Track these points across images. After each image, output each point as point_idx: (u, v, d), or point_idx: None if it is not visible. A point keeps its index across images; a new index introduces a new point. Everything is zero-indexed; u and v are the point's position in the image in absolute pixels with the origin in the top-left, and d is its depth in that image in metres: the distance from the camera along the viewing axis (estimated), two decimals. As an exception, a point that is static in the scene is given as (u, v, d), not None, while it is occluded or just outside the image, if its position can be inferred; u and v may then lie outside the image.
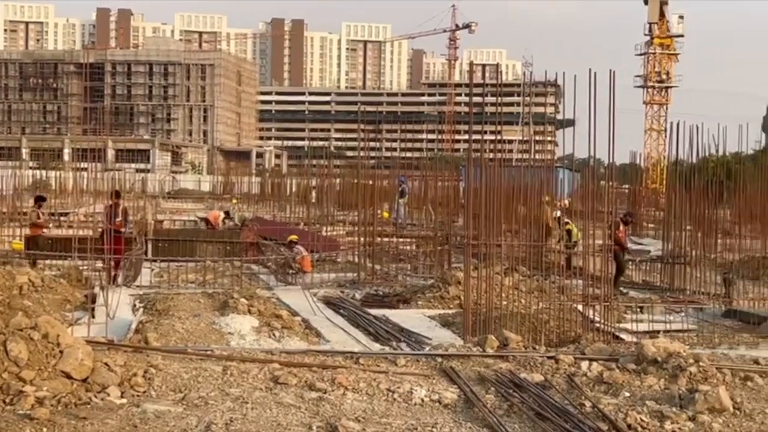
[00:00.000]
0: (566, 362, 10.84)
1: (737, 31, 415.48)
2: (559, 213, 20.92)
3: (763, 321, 15.85)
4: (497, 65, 20.19)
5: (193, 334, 12.96)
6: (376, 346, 12.95)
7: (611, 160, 15.21)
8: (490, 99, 18.65)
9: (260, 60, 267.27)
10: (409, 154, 45.76)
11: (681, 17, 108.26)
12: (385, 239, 26.13)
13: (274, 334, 13.71)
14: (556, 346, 12.62)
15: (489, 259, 14.60)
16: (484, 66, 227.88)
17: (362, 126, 27.90)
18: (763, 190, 25.90)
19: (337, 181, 42.84)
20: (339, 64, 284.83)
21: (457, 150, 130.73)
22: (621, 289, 20.22)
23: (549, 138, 23.75)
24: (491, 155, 15.56)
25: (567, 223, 21.77)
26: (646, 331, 14.77)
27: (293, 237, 23.39)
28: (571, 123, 14.95)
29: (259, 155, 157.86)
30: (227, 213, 36.31)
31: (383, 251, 24.24)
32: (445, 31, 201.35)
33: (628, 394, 9.62)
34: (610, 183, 17.45)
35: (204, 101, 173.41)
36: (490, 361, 11.08)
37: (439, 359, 11.20)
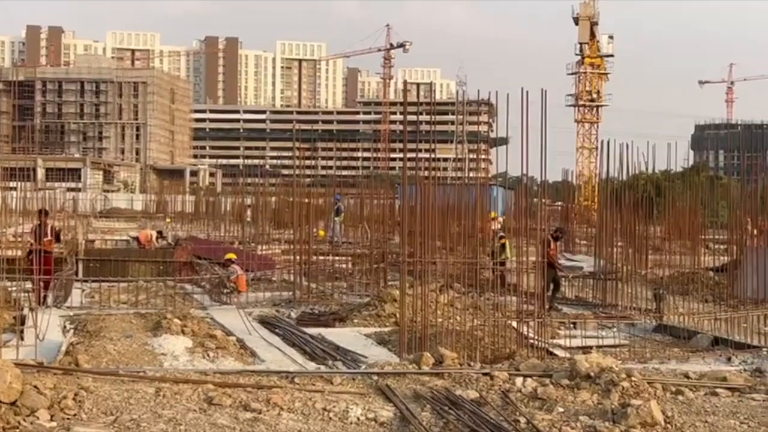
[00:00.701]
0: (501, 378, 10.89)
1: (665, 52, 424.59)
2: (495, 227, 21.05)
3: (693, 335, 16.14)
4: (431, 84, 20.45)
5: (125, 356, 12.75)
6: (311, 365, 12.88)
7: (543, 178, 15.40)
8: (424, 117, 18.73)
9: (194, 78, 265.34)
10: (345, 172, 45.77)
11: (611, 37, 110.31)
12: (321, 258, 26.06)
13: (208, 355, 13.55)
14: (491, 363, 12.68)
15: (424, 277, 14.63)
16: (418, 85, 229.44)
17: (297, 144, 27.85)
18: (692, 206, 26.48)
19: (273, 199, 42.62)
20: (274, 83, 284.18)
21: (393, 168, 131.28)
22: (556, 305, 20.42)
23: (483, 156, 23.88)
24: (426, 173, 15.63)
25: (502, 237, 21.92)
26: (579, 346, 14.93)
27: (231, 255, 23.20)
28: (504, 141, 15.12)
29: (193, 174, 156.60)
30: (160, 232, 35.88)
31: (319, 270, 24.17)
32: (380, 50, 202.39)
33: (561, 410, 9.69)
34: (543, 200, 17.66)
35: (137, 119, 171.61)
36: (426, 379, 11.09)
37: (375, 377, 11.17)
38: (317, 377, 11.17)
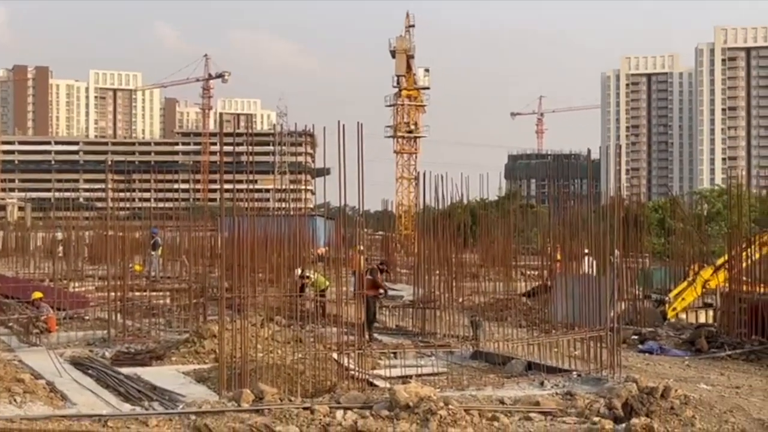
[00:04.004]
0: (322, 412, 10.84)
1: (479, 85, 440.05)
2: (299, 271, 20.69)
3: (508, 361, 16.58)
4: (250, 115, 20.26)
5: None
6: (126, 407, 12.41)
7: (361, 208, 15.53)
8: (244, 148, 18.56)
9: (1, 108, 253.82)
10: (163, 204, 44.73)
11: (427, 70, 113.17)
12: (138, 293, 25.28)
13: (15, 400, 12.81)
14: (312, 396, 12.61)
15: (244, 311, 14.42)
16: (238, 115, 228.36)
17: (112, 176, 26.99)
18: (506, 234, 27.35)
19: (87, 233, 41.13)
20: (87, 113, 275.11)
21: (214, 199, 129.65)
22: (375, 335, 20.57)
23: (305, 187, 23.89)
24: (246, 204, 15.46)
25: (307, 277, 21.56)
26: (399, 376, 15.04)
27: (37, 294, 22.14)
28: (326, 172, 15.18)
29: (1, 208, 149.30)
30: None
31: (136, 306, 23.42)
32: (198, 80, 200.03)
33: (381, 441, 9.72)
34: (365, 230, 17.80)
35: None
36: (246, 416, 10.91)
37: (193, 417, 10.90)
38: (132, 419, 10.80)
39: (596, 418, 11.03)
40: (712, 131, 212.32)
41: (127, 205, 37.72)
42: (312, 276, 21.60)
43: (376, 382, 14.38)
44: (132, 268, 28.83)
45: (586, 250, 22.87)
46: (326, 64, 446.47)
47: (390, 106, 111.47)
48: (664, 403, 11.54)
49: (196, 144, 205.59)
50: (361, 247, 26.46)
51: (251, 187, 15.02)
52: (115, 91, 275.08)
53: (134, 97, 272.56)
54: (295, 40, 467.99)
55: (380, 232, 55.70)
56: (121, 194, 41.20)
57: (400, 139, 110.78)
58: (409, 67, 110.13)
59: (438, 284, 23.17)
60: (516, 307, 23.93)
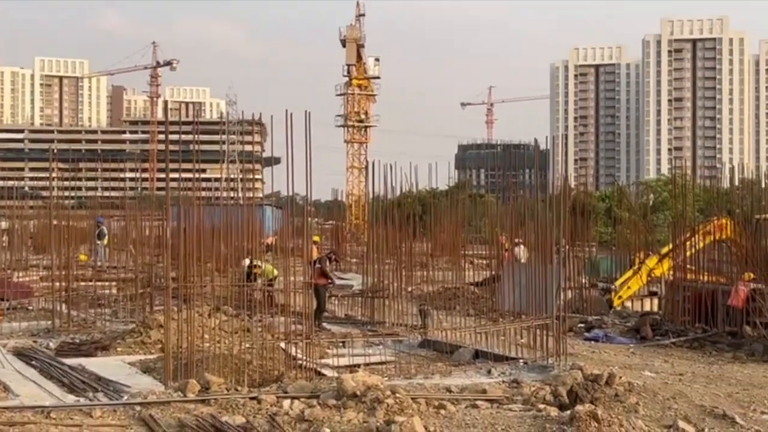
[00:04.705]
0: (269, 402, 10.80)
1: (430, 75, 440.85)
2: (247, 261, 20.59)
3: (455, 349, 16.67)
4: (199, 104, 20.03)
5: None
6: (70, 398, 12.24)
7: (309, 197, 15.48)
8: (194, 137, 18.37)
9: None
10: (110, 194, 44.20)
11: (377, 60, 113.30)
12: (84, 283, 24.96)
13: (-45, 392, 12.61)
14: (259, 386, 12.56)
15: (191, 301, 14.31)
16: (187, 104, 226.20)
17: (58, 164, 26.57)
18: (455, 223, 27.48)
19: (31, 223, 40.48)
20: (33, 100, 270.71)
21: (162, 189, 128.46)
22: (324, 324, 20.55)
23: (255, 176, 23.73)
24: (194, 194, 15.33)
25: (257, 266, 21.50)
26: (347, 365, 15.05)
27: (-20, 284, 21.77)
28: (276, 161, 15.09)
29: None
30: None
31: (81, 296, 23.12)
32: (146, 68, 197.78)
33: (328, 430, 9.72)
34: (315, 220, 17.75)
35: None
36: (192, 407, 10.83)
37: (138, 408, 10.79)
38: (76, 410, 10.67)
39: (542, 406, 11.13)
40: (659, 122, 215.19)
41: (73, 194, 37.13)
42: (261, 265, 21.54)
43: (324, 371, 14.37)
44: (77, 257, 28.47)
45: (517, 239, 23.15)
46: (276, 52, 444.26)
47: (340, 95, 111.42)
48: (609, 390, 11.68)
49: (143, 132, 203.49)
50: (317, 238, 26.48)
51: (199, 176, 14.91)
52: (61, 78, 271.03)
53: (81, 84, 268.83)
54: (244, 28, 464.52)
55: (330, 222, 55.60)
56: (67, 183, 40.63)
57: (350, 129, 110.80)
58: (359, 57, 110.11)
59: (387, 273, 23.20)
60: (464, 296, 24.07)
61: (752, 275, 20.58)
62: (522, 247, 22.42)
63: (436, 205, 30.27)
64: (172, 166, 14.19)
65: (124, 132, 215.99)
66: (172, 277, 14.47)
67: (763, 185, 25.05)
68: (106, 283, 26.92)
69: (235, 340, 14.99)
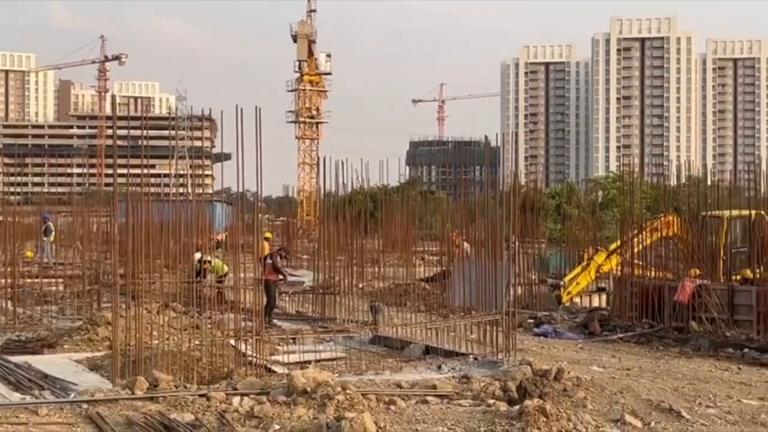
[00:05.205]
0: (218, 399, 10.74)
1: (382, 72, 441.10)
2: (198, 255, 20.44)
3: (406, 346, 16.70)
4: (148, 98, 19.82)
5: None
6: (16, 396, 12.04)
7: (260, 193, 15.41)
8: (142, 132, 18.18)
9: None
10: (56, 189, 43.64)
11: (329, 56, 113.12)
12: (30, 280, 24.62)
13: None
14: (208, 383, 12.48)
15: (140, 298, 14.17)
16: (135, 98, 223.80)
17: (4, 160, 26.19)
18: (407, 220, 27.53)
19: (-24, 219, 39.79)
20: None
21: (110, 184, 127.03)
22: (274, 321, 20.47)
23: (205, 172, 23.56)
24: (143, 189, 15.17)
25: (207, 262, 21.39)
26: (297, 362, 14.99)
27: None
28: (227, 157, 14.99)
29: None
30: None
31: (27, 293, 22.80)
32: (94, 62, 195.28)
33: (278, 427, 9.68)
34: (266, 216, 17.67)
35: None
36: (140, 404, 10.73)
37: (85, 405, 10.67)
38: (21, 409, 10.51)
39: (491, 401, 11.20)
40: (608, 120, 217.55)
41: (20, 190, 36.62)
42: (211, 261, 21.39)
43: (275, 368, 14.30)
44: (23, 254, 28.06)
45: (454, 238, 23.35)
46: (228, 48, 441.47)
47: (292, 91, 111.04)
48: (557, 385, 11.78)
49: (91, 128, 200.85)
50: (269, 235, 26.34)
51: (148, 171, 14.76)
52: (6, 72, 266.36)
53: (27, 78, 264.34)
54: (194, 23, 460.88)
55: (282, 218, 55.43)
56: (13, 179, 39.96)
57: (301, 125, 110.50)
58: (310, 52, 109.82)
59: (339, 270, 23.16)
60: (415, 292, 24.13)
61: (698, 271, 20.91)
62: (466, 244, 22.58)
63: (387, 202, 30.29)
64: (120, 161, 14.05)
65: (71, 127, 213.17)
66: (120, 274, 14.32)
67: (709, 183, 25.44)
68: (53, 280, 26.58)
69: (185, 337, 14.87)
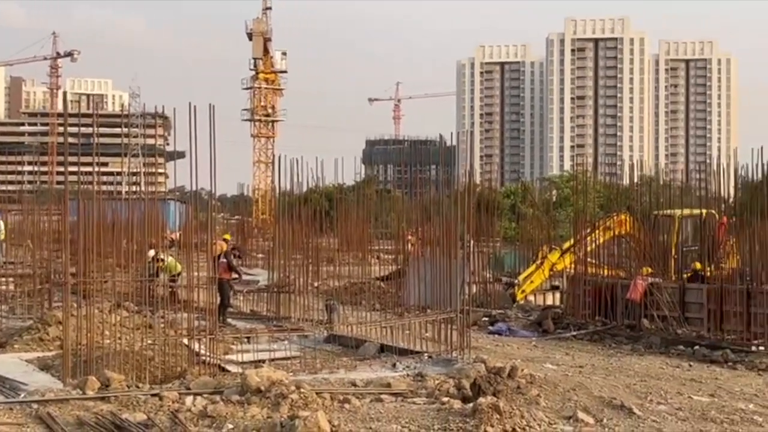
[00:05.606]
0: (171, 399, 10.65)
1: (339, 70, 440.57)
2: (152, 252, 20.24)
3: (361, 344, 16.69)
4: (101, 96, 19.59)
5: None
6: (-37, 397, 11.86)
7: (214, 191, 15.31)
8: (93, 129, 17.97)
9: None
10: (6, 187, 43.02)
11: (284, 54, 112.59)
12: (-21, 279, 24.21)
13: None
14: (161, 383, 12.37)
15: (91, 297, 14.00)
16: (88, 96, 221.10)
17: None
18: (363, 218, 27.53)
19: (-75, 217, 39.02)
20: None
21: (62, 182, 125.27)
22: (228, 320, 20.34)
23: (158, 170, 23.23)
24: (95, 188, 15.00)
25: (161, 260, 21.21)
26: (252, 361, 14.91)
27: None
28: (180, 155, 14.85)
29: None
30: None
31: (-24, 292, 22.44)
32: (45, 58, 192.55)
33: (231, 426, 9.62)
34: (221, 215, 17.56)
35: None
36: (91, 404, 10.61)
37: (36, 406, 10.52)
38: (-31, 410, 10.32)
39: (445, 399, 11.23)
40: (562, 119, 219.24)
41: (-31, 188, 35.99)
42: (165, 259, 21.20)
43: (228, 367, 14.21)
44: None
45: (409, 236, 23.43)
46: (183, 45, 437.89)
47: (247, 89, 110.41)
48: (511, 382, 11.85)
49: (43, 125, 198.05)
50: (228, 237, 26.19)
51: (100, 169, 14.60)
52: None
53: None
54: (148, 19, 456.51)
55: (237, 217, 55.12)
56: (-38, 176, 39.27)
57: (257, 123, 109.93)
58: (266, 50, 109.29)
59: (294, 269, 23.08)
60: (371, 290, 24.13)
61: (650, 270, 21.16)
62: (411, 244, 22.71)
63: (343, 201, 30.26)
64: (71, 159, 13.86)
65: (22, 124, 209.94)
66: (72, 273, 14.14)
67: (661, 182, 25.76)
68: (3, 279, 26.16)
69: (137, 337, 14.72)
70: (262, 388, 10.54)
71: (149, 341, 14.46)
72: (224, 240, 23.62)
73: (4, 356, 15.44)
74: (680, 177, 28.68)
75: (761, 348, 17.34)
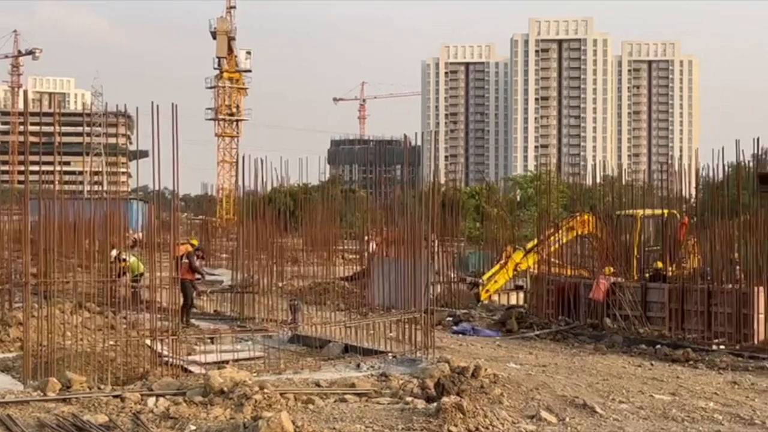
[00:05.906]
0: (133, 400, 10.57)
1: (303, 69, 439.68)
2: (115, 252, 20.08)
3: (325, 344, 16.67)
4: (63, 94, 19.41)
5: None
6: None
7: (176, 191, 15.20)
8: (55, 128, 17.80)
9: None
10: (-33, 187, 42.45)
11: (248, 53, 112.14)
12: (-62, 280, 23.81)
13: None
14: (123, 384, 12.28)
15: (53, 297, 13.87)
16: (50, 94, 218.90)
17: None
18: (327, 218, 27.48)
19: None
20: None
21: (23, 182, 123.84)
22: (192, 320, 20.23)
23: (121, 169, 23.05)
24: (57, 187, 14.87)
25: (123, 260, 21.06)
26: (215, 361, 14.84)
27: None
28: (143, 154, 14.74)
29: None
30: None
31: (-65, 293, 22.08)
32: (6, 56, 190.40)
33: (194, 427, 9.57)
34: (185, 215, 17.44)
35: None
36: (52, 406, 10.51)
37: (-5, 408, 10.38)
38: (-74, 413, 10.17)
39: (409, 398, 11.25)
40: (526, 120, 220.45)
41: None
42: (128, 259, 21.04)
43: (191, 368, 14.13)
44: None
45: (367, 237, 23.47)
46: (146, 44, 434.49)
47: (211, 88, 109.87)
48: (475, 382, 11.89)
49: (3, 123, 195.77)
50: (195, 242, 26.05)
51: (62, 169, 14.46)
52: None
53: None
54: (110, 17, 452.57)
55: (200, 217, 54.80)
56: None
57: (221, 122, 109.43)
58: (230, 49, 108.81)
59: (258, 269, 23.00)
60: (335, 290, 24.11)
61: (612, 269, 21.33)
62: (373, 243, 22.78)
63: (308, 200, 30.19)
64: (32, 158, 13.70)
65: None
66: (33, 273, 13.99)
67: (623, 182, 25.95)
68: (-38, 280, 25.81)
69: (99, 338, 14.60)
70: (225, 388, 10.50)
71: (111, 342, 14.34)
72: (191, 244, 23.54)
73: (-37, 358, 15.26)
74: (642, 177, 28.91)
75: (722, 347, 17.53)
